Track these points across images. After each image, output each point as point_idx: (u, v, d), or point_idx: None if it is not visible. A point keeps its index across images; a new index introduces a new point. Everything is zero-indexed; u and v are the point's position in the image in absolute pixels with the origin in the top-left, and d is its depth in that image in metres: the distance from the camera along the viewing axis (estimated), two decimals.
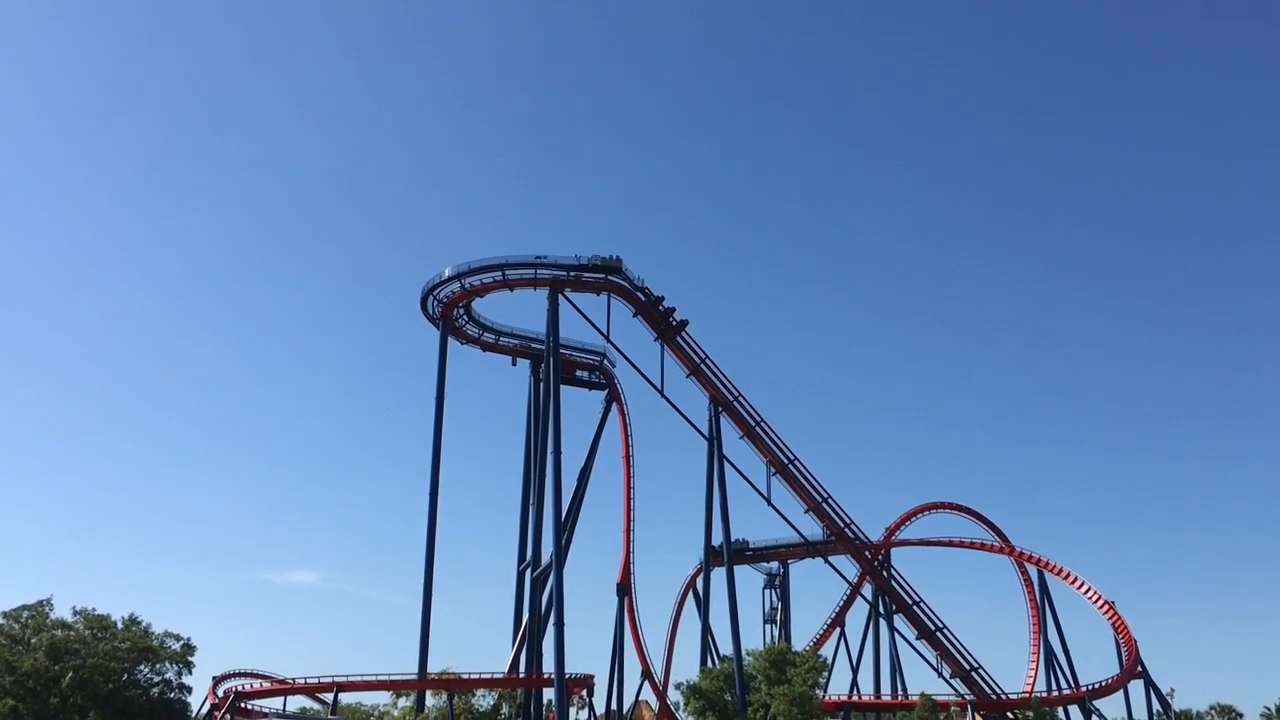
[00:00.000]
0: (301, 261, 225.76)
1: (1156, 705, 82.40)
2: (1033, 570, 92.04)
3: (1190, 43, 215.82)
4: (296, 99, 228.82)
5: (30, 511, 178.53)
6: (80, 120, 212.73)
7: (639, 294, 73.36)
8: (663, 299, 74.18)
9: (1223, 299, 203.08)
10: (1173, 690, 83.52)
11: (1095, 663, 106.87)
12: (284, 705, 74.82)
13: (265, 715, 75.50)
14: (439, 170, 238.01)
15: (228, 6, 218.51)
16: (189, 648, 66.28)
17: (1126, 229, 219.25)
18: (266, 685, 75.92)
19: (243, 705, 73.76)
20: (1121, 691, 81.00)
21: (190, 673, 66.52)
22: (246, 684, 76.37)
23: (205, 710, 74.94)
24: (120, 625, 65.26)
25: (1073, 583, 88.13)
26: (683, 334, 74.49)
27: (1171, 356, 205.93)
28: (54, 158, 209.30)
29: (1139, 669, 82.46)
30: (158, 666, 65.13)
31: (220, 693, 75.80)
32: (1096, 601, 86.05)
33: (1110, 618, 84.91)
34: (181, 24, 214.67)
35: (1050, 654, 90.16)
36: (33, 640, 62.94)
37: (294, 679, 74.17)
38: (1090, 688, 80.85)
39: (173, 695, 65.07)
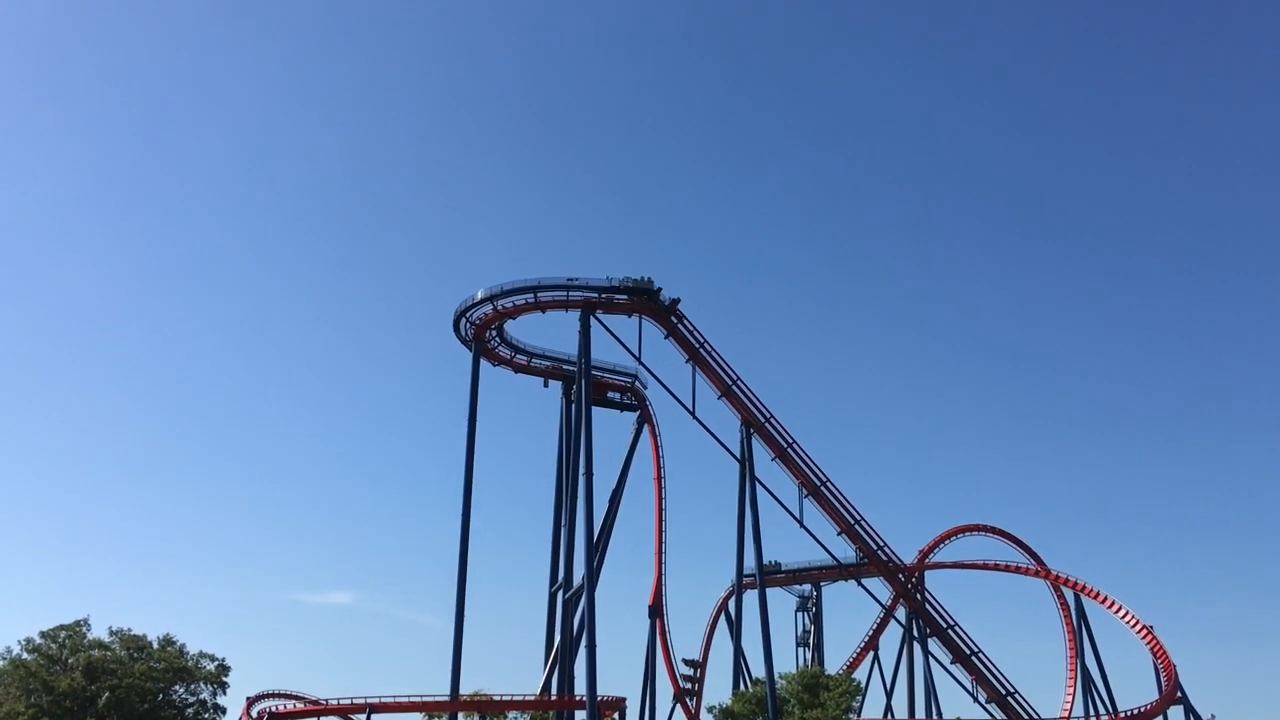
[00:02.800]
0: (333, 288, 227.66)
1: None
2: (1069, 594, 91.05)
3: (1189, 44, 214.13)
4: (321, 122, 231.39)
5: (68, 531, 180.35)
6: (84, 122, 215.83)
7: (670, 315, 73.46)
8: (679, 300, 73.91)
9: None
10: (1213, 716, 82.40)
11: (1133, 688, 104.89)
12: None
13: None
14: (461, 191, 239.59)
15: (250, 37, 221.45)
16: (223, 668, 66.74)
17: (1179, 256, 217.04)
18: (300, 706, 76.13)
19: None
20: (1160, 718, 79.79)
21: (225, 693, 67.07)
22: (280, 705, 76.59)
23: None
24: (156, 645, 65.84)
25: (1110, 607, 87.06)
26: (714, 355, 74.45)
27: (1211, 380, 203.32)
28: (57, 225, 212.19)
29: (1178, 695, 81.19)
30: (192, 687, 65.65)
31: (254, 713, 75.99)
32: (1134, 626, 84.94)
33: (1149, 642, 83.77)
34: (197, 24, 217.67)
35: (1088, 679, 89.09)
36: (70, 660, 63.59)
37: (327, 700, 74.28)
38: (1128, 714, 79.68)
39: (207, 716, 65.58)
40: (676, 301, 73.69)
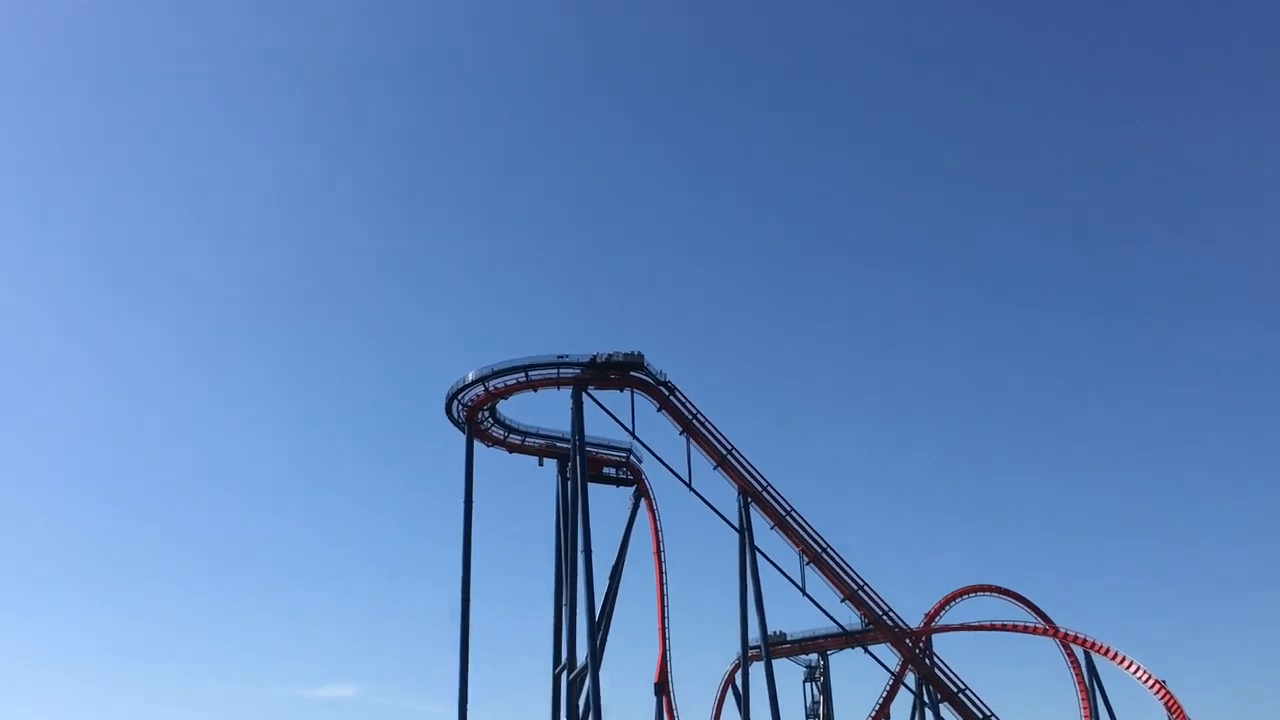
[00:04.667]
0: (322, 377, 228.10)
1: None
2: (1079, 651, 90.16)
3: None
4: (285, 209, 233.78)
5: (66, 635, 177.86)
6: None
7: (661, 388, 73.63)
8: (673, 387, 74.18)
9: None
10: None
11: None
12: None
13: None
14: (444, 271, 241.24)
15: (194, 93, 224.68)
16: None
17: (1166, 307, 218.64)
18: None
19: None
20: None
21: None
22: None
23: None
24: None
25: (1121, 663, 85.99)
26: (707, 425, 74.44)
27: (1219, 430, 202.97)
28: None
29: None
30: None
31: None
32: (1147, 681, 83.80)
33: (1163, 697, 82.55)
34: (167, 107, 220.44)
35: None
36: None
37: None
38: None
39: None
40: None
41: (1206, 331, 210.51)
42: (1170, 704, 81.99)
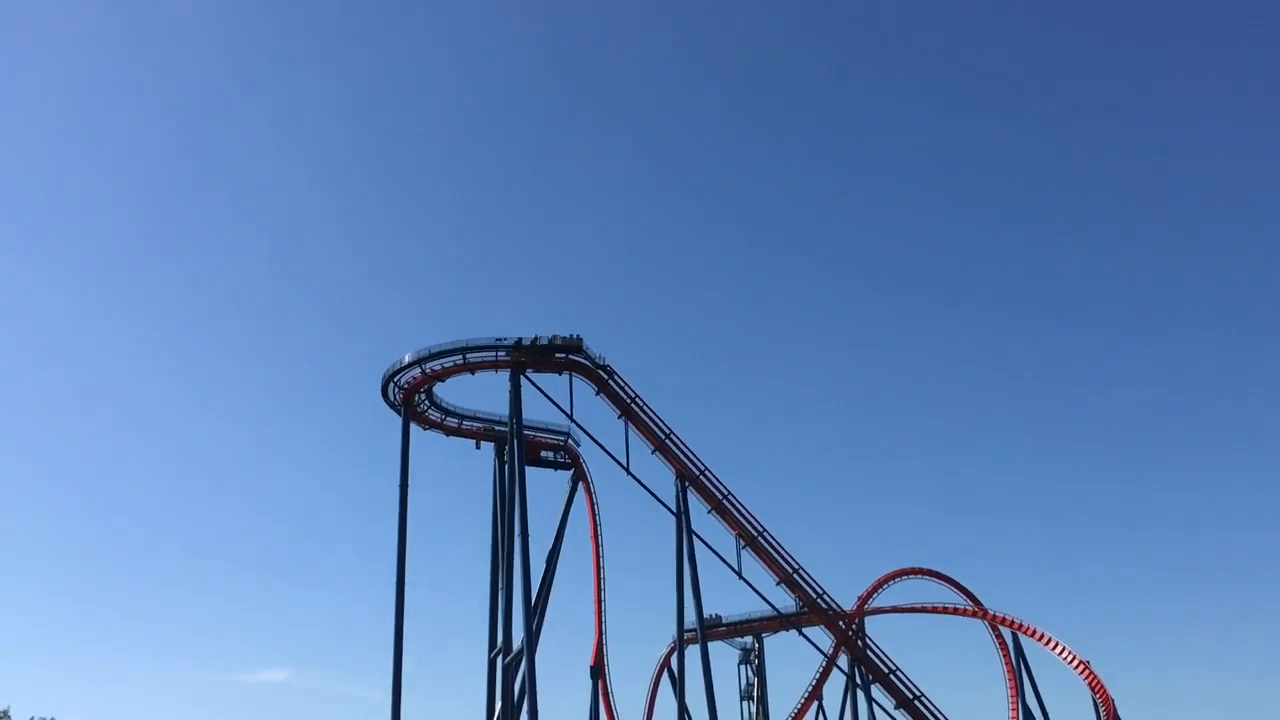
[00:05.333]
0: (257, 352, 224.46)
1: None
2: (1007, 633, 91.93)
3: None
4: (239, 179, 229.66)
5: None
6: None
7: (600, 371, 73.44)
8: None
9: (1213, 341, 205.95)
10: None
11: None
12: None
13: None
14: (387, 248, 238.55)
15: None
16: None
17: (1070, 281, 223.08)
18: None
19: None
20: None
21: None
22: None
23: None
24: None
25: (1047, 643, 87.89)
26: (646, 410, 74.44)
27: (1140, 407, 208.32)
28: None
29: None
30: None
31: None
32: (1071, 662, 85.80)
33: (1086, 677, 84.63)
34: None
35: (1029, 717, 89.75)
36: None
37: None
38: None
39: None
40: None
41: (1128, 308, 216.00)
42: (1093, 683, 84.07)
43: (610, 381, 73.71)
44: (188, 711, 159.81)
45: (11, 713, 63.23)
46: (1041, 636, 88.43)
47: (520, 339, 72.20)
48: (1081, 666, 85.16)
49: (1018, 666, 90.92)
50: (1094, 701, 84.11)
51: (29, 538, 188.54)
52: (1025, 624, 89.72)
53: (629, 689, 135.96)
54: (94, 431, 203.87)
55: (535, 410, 75.87)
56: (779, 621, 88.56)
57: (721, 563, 76.33)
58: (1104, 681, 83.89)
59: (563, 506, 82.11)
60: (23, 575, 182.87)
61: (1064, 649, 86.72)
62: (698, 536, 75.88)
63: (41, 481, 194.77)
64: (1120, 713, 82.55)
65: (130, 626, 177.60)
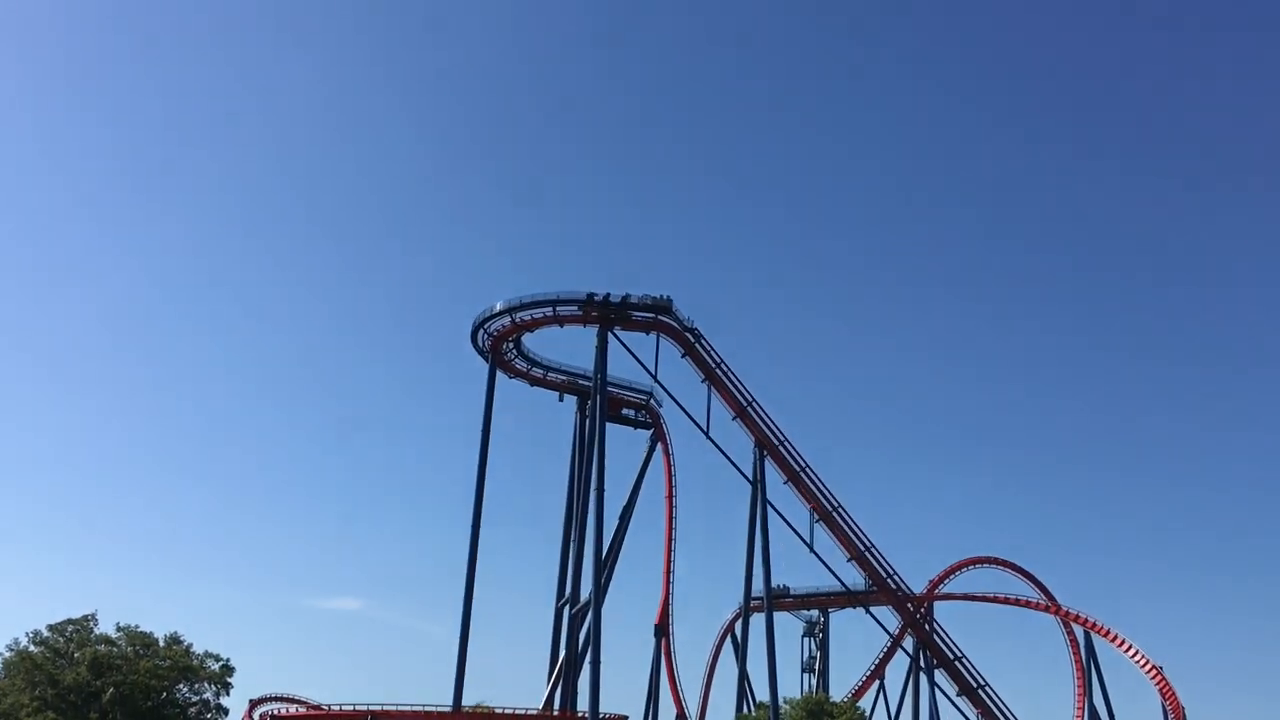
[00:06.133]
0: (352, 291, 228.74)
1: None
2: (1079, 630, 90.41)
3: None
4: (340, 125, 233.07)
5: (79, 527, 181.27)
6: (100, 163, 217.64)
7: (688, 334, 73.44)
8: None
9: None
10: None
11: None
12: None
13: None
14: (482, 199, 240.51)
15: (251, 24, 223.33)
16: (228, 669, 66.52)
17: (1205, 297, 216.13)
18: (301, 710, 76.14)
19: None
20: None
21: (228, 694, 66.59)
22: (281, 708, 76.65)
23: None
24: (162, 644, 65.69)
25: (1120, 645, 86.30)
26: (730, 375, 74.28)
27: (1237, 417, 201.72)
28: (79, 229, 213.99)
29: None
30: (196, 686, 65.42)
31: (256, 716, 76.14)
32: (1144, 666, 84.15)
33: (1157, 683, 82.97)
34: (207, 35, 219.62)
35: (1095, 717, 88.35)
36: (76, 655, 63.54)
37: (328, 705, 74.25)
38: None
39: (210, 716, 65.31)
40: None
41: (1214, 314, 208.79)
42: (1165, 690, 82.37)
43: (697, 345, 73.68)
44: (261, 630, 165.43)
45: (98, 615, 65.86)
46: (1115, 637, 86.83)
47: (610, 295, 72.60)
48: (1154, 672, 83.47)
49: (1087, 665, 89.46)
50: (1163, 708, 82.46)
51: (124, 455, 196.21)
52: (1099, 623, 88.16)
53: (691, 651, 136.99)
54: (182, 358, 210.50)
55: (619, 368, 76.45)
56: (847, 598, 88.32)
57: (793, 534, 76.41)
58: (1176, 689, 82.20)
59: (640, 465, 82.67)
60: (116, 491, 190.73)
61: (1137, 652, 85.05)
62: (772, 506, 75.94)
63: (134, 404, 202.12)
64: None
65: (213, 547, 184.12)
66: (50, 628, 64.94)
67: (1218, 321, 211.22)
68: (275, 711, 75.19)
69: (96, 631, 65.26)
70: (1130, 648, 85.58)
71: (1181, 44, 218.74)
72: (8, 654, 63.35)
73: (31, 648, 63.23)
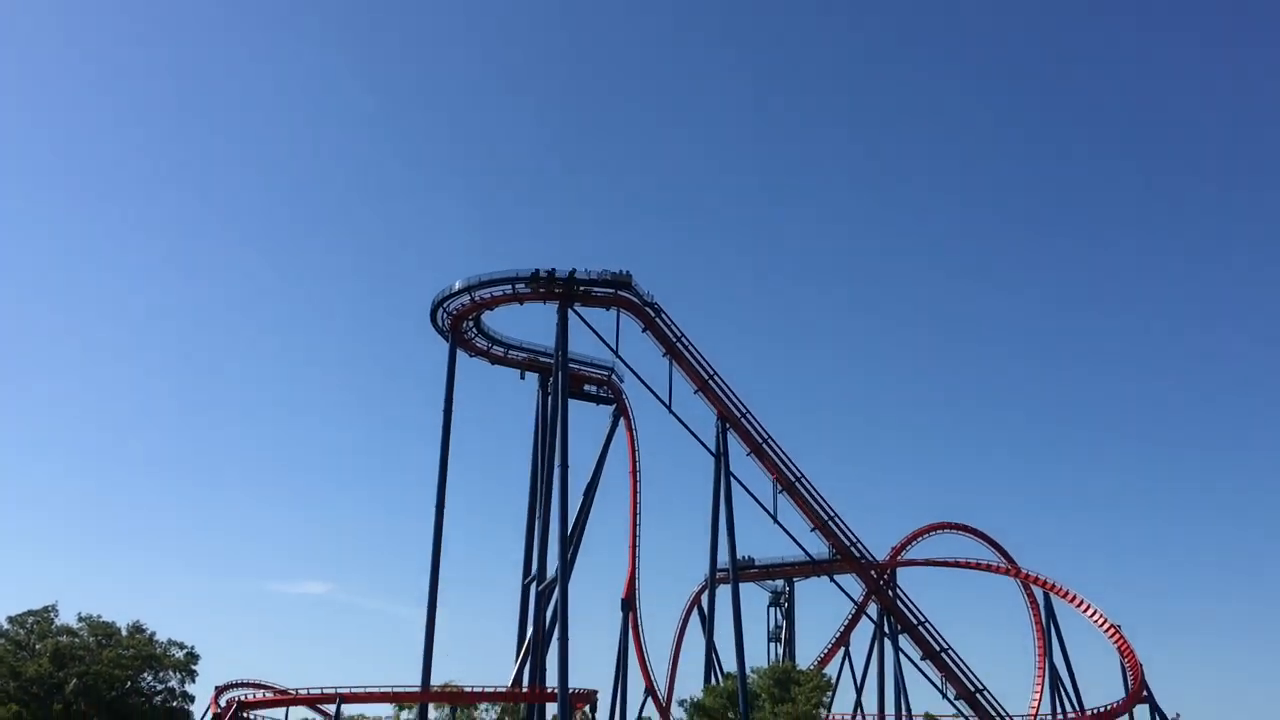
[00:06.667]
0: (310, 271, 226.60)
1: None
2: (1039, 592, 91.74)
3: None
4: (301, 103, 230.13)
5: (37, 517, 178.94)
6: (82, 120, 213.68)
7: (648, 309, 73.43)
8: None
9: (1244, 317, 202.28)
10: (1178, 715, 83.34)
11: (1100, 687, 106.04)
12: (286, 716, 74.67)
13: None
14: (443, 178, 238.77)
15: (225, 7, 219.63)
16: (192, 656, 66.29)
17: (1133, 244, 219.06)
18: (269, 695, 75.84)
19: (244, 715, 73.66)
20: (1126, 716, 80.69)
21: (193, 681, 66.60)
22: (249, 694, 76.28)
23: (208, 719, 74.89)
24: (125, 633, 65.33)
25: (1078, 605, 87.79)
26: (691, 350, 74.39)
27: (1187, 377, 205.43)
28: (55, 163, 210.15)
29: (1144, 693, 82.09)
30: (161, 675, 65.20)
31: (223, 702, 75.67)
32: (1102, 625, 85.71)
33: (1116, 641, 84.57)
34: (175, 23, 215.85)
35: (1055, 677, 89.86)
36: (37, 646, 63.05)
37: (297, 689, 74.03)
38: (1095, 712, 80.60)
39: (175, 704, 65.13)
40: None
41: (1170, 271, 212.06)
42: (1123, 648, 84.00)
43: (657, 319, 73.73)
44: (227, 617, 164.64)
45: (59, 606, 65.25)
46: (1074, 598, 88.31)
47: (572, 271, 72.41)
48: (1112, 631, 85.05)
49: (1047, 627, 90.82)
50: (1122, 666, 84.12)
51: (81, 444, 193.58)
52: (1058, 584, 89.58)
53: (658, 624, 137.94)
54: (141, 342, 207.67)
55: (580, 344, 76.38)
56: (811, 567, 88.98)
57: (757, 505, 76.74)
58: (1134, 647, 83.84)
59: (603, 440, 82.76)
60: (75, 479, 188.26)
61: (1096, 612, 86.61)
62: (735, 478, 76.24)
63: (93, 392, 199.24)
64: (1149, 679, 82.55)
65: (176, 533, 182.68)
66: (10, 619, 64.38)
67: (1178, 273, 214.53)
68: (244, 697, 74.86)
69: (58, 622, 64.81)
70: (1089, 608, 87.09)
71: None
72: None
73: None
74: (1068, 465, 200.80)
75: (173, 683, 65.54)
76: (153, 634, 65.95)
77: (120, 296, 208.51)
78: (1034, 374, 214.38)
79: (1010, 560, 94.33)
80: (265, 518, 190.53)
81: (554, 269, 72.29)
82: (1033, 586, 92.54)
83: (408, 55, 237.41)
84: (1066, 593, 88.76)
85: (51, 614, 64.99)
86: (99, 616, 65.78)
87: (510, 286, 72.66)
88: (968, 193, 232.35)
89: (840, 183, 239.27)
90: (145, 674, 64.54)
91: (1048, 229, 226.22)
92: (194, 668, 66.25)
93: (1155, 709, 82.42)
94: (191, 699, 67.40)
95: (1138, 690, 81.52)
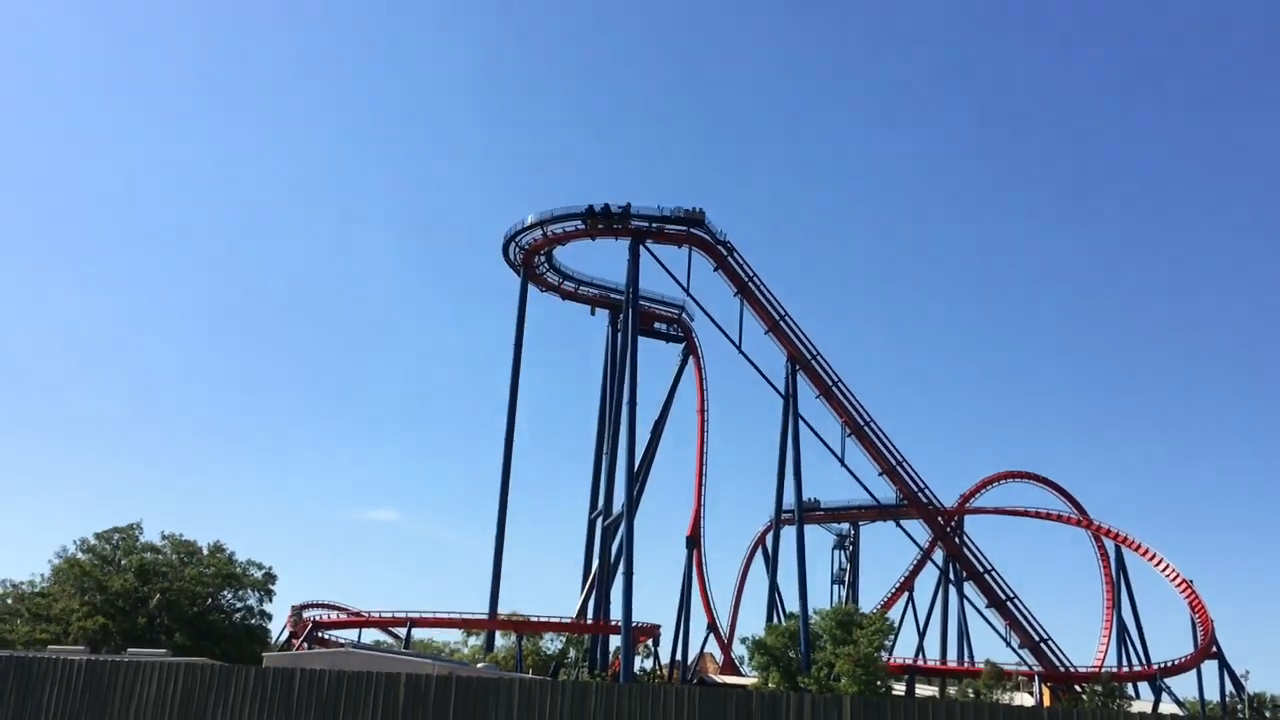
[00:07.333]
0: (381, 208, 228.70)
1: (1230, 687, 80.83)
2: (1109, 545, 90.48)
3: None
4: (362, 48, 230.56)
5: (126, 438, 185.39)
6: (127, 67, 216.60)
7: (720, 247, 72.97)
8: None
9: None
10: (1248, 673, 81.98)
11: (1169, 641, 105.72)
12: (359, 637, 76.95)
13: (341, 645, 77.61)
14: (513, 117, 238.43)
15: None
16: (270, 576, 68.28)
17: (1212, 207, 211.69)
18: (343, 617, 78.11)
19: (320, 635, 76.03)
20: (1195, 671, 79.54)
21: (271, 600, 68.65)
22: (324, 614, 78.63)
23: (284, 637, 77.40)
24: (206, 551, 67.47)
25: (1150, 559, 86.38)
26: (763, 289, 73.90)
27: (1259, 334, 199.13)
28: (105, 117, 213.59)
29: (1214, 649, 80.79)
30: (240, 593, 67.30)
31: (298, 621, 78.14)
32: (1174, 579, 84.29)
33: (1187, 596, 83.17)
34: None
35: (1123, 630, 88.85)
36: (123, 562, 65.37)
37: (370, 612, 76.19)
38: (1162, 666, 79.58)
39: (254, 621, 67.26)
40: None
41: (1242, 229, 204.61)
42: (1195, 604, 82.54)
43: (729, 258, 73.25)
44: (302, 541, 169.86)
45: (143, 524, 67.53)
46: (1146, 551, 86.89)
47: (648, 209, 72.24)
48: (1184, 585, 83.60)
49: (1117, 580, 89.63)
50: (1192, 622, 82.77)
51: (168, 370, 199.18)
52: (1130, 537, 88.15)
53: (722, 562, 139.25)
54: (224, 271, 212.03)
55: (651, 281, 76.33)
56: (877, 511, 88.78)
57: (825, 448, 76.64)
58: (1205, 603, 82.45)
59: (672, 378, 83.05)
60: (161, 403, 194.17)
61: (1168, 565, 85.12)
62: (804, 420, 76.06)
63: (179, 319, 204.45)
64: (1218, 636, 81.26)
65: (255, 459, 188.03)
66: (97, 535, 66.75)
67: (1261, 238, 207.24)
68: (319, 617, 77.19)
69: (142, 540, 67.03)
70: (1161, 561, 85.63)
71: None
72: (58, 561, 65.27)
73: (80, 555, 65.11)
74: (1141, 417, 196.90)
75: (251, 601, 67.64)
76: (232, 554, 68.05)
77: (202, 224, 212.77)
78: (1109, 323, 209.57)
79: (1082, 511, 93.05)
80: (338, 447, 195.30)
81: (628, 203, 72.09)
82: (1104, 538, 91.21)
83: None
84: (1139, 546, 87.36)
85: (136, 531, 67.23)
86: (181, 535, 68.02)
87: (582, 221, 72.61)
88: (1069, 135, 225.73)
89: (900, 138, 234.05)
90: (225, 592, 66.69)
91: (1131, 178, 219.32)
92: (272, 587, 68.29)
93: (1225, 665, 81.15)
94: (269, 617, 69.66)
95: (1207, 646, 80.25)
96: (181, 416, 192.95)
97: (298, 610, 79.59)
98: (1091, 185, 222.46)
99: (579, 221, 72.58)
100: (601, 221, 72.16)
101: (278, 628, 76.47)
